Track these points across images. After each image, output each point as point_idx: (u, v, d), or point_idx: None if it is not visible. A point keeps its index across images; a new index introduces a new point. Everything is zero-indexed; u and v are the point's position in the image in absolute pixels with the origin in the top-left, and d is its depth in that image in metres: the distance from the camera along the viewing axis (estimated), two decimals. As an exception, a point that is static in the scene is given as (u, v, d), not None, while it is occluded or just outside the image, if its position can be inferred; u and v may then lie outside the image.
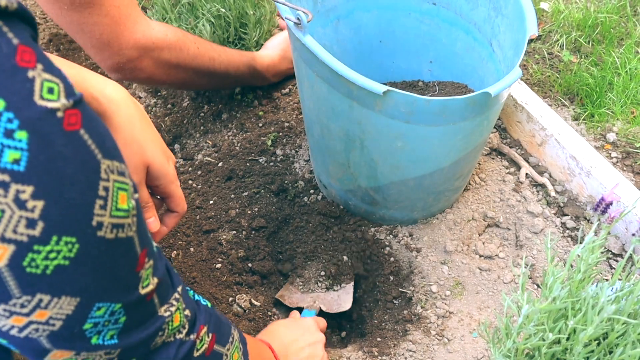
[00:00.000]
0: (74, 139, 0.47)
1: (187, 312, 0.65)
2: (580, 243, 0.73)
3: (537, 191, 1.24)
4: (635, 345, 0.70)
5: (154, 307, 0.59)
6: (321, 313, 1.11)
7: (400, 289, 1.11)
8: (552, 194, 1.23)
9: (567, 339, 0.73)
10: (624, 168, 1.27)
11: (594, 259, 0.72)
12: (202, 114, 1.44)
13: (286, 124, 1.36)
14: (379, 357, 1.02)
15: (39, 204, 0.45)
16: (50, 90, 0.45)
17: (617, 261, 1.13)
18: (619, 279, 0.77)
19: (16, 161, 0.43)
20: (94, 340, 0.54)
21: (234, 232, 1.19)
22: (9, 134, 0.42)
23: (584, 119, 1.36)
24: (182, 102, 1.48)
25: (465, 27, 1.17)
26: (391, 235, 1.18)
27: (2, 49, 0.42)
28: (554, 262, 0.72)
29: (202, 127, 1.42)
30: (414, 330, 1.05)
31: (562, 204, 1.21)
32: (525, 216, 1.19)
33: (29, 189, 0.44)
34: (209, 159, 1.32)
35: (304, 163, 1.30)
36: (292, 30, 0.92)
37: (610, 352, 0.73)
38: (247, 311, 1.09)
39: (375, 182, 1.09)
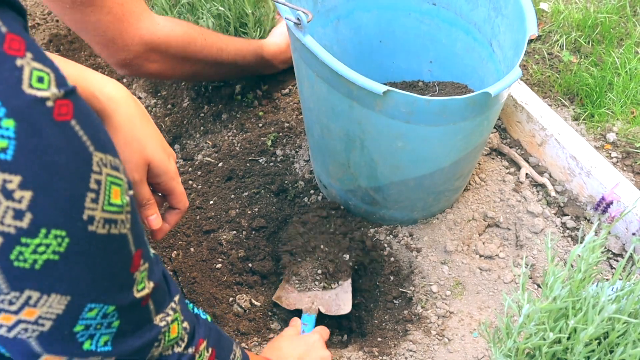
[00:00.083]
0: (64, 129, 0.45)
1: (185, 324, 0.63)
2: (581, 243, 0.73)
3: (537, 191, 1.24)
4: (636, 345, 0.70)
5: (149, 313, 0.57)
6: (320, 315, 1.11)
7: (400, 289, 1.11)
8: (552, 194, 1.23)
9: (568, 338, 0.73)
10: (624, 168, 1.27)
11: (594, 258, 0.72)
12: (202, 114, 1.44)
13: (286, 124, 1.36)
14: (380, 357, 1.02)
15: (27, 195, 0.43)
16: (40, 79, 0.44)
17: (617, 261, 1.13)
18: (620, 279, 0.77)
19: (3, 150, 0.42)
20: (86, 346, 0.52)
21: (234, 232, 1.19)
22: None
23: (584, 119, 1.36)
24: (182, 103, 1.48)
25: (465, 28, 1.17)
26: (391, 235, 1.18)
27: None
28: (554, 261, 0.72)
29: (202, 128, 1.42)
30: (414, 330, 1.05)
31: (562, 204, 1.21)
32: (526, 216, 1.19)
33: (16, 179, 0.42)
34: (209, 159, 1.32)
35: (304, 163, 1.30)
36: (292, 30, 0.92)
37: (611, 352, 0.73)
38: (247, 311, 1.09)
39: (376, 182, 1.09)
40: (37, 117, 0.43)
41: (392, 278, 1.13)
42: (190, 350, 0.64)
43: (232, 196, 1.24)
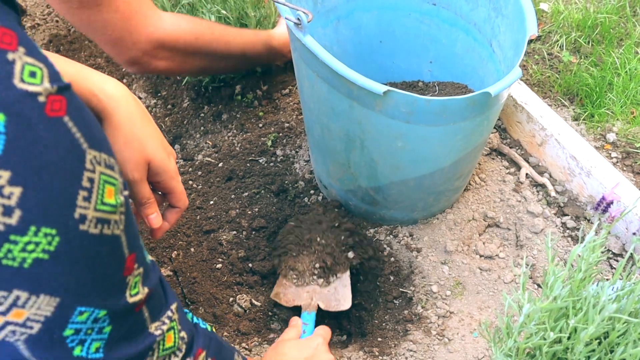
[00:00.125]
0: (56, 125, 0.44)
1: (182, 333, 0.61)
2: (581, 243, 0.73)
3: (537, 191, 1.24)
4: (636, 344, 0.70)
5: (143, 321, 0.56)
6: (321, 313, 1.10)
7: (400, 289, 1.11)
8: (552, 194, 1.23)
9: (568, 338, 0.73)
10: (624, 168, 1.27)
11: (594, 258, 0.72)
12: (202, 115, 1.44)
13: (286, 125, 1.36)
14: (380, 357, 1.02)
15: (17, 191, 0.42)
16: (32, 74, 0.43)
17: (617, 261, 1.13)
18: (620, 278, 0.77)
19: None
20: (77, 352, 0.50)
21: (234, 232, 1.19)
22: None
23: (584, 119, 1.36)
24: (182, 103, 1.48)
25: (466, 28, 1.17)
26: (391, 236, 1.18)
27: None
28: (554, 261, 0.72)
29: (202, 128, 1.42)
30: (414, 330, 1.05)
31: (562, 204, 1.21)
32: (526, 216, 1.19)
33: (5, 174, 0.41)
34: (209, 159, 1.32)
35: (304, 163, 1.30)
36: (292, 30, 0.92)
37: (612, 351, 0.73)
38: (247, 311, 1.09)
39: (376, 182, 1.09)
40: (28, 111, 0.42)
41: (392, 278, 1.13)
42: None
43: (233, 196, 1.24)
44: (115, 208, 0.49)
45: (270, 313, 1.11)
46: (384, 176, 1.07)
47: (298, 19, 0.88)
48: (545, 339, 0.70)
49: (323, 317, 1.11)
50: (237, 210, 1.22)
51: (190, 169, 1.31)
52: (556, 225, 1.18)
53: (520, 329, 0.72)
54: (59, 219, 0.44)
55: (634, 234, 1.10)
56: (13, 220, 0.42)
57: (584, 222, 1.18)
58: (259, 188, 1.25)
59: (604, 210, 0.77)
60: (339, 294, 1.10)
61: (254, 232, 1.19)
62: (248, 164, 1.29)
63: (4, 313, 0.45)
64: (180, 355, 0.61)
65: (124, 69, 1.59)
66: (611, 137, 1.32)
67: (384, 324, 1.09)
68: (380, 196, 1.12)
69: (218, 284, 1.11)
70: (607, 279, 1.09)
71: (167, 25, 1.09)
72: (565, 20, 1.55)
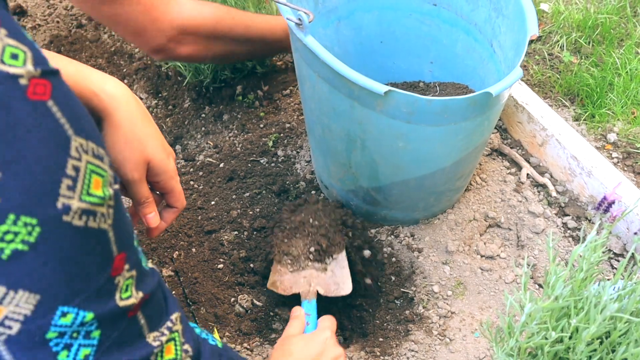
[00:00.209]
0: (39, 108, 0.42)
1: (186, 346, 0.57)
2: (582, 243, 0.73)
3: (538, 191, 1.24)
4: (638, 344, 0.70)
5: (138, 328, 0.52)
6: (320, 297, 1.03)
7: (402, 289, 1.11)
8: (553, 194, 1.23)
9: (570, 337, 0.73)
10: (625, 168, 1.27)
11: (596, 257, 0.72)
12: (203, 115, 1.44)
13: (287, 125, 1.36)
14: (381, 357, 1.02)
15: None
16: (14, 56, 0.41)
17: (618, 261, 1.13)
18: (621, 278, 0.77)
19: None
20: (62, 357, 0.46)
21: (236, 232, 1.19)
22: None
23: (584, 120, 1.36)
24: (183, 103, 1.48)
25: (466, 28, 1.17)
26: (392, 236, 1.18)
27: None
28: (555, 261, 0.72)
29: (203, 128, 1.43)
30: (416, 330, 1.05)
31: (563, 204, 1.21)
32: (527, 216, 1.19)
33: None
34: (211, 159, 1.32)
35: (305, 164, 1.30)
36: (293, 30, 0.92)
37: (613, 351, 0.73)
38: (249, 311, 1.09)
39: (377, 183, 1.09)
40: (8, 94, 0.40)
41: (393, 278, 1.13)
42: None
43: (234, 197, 1.24)
44: (102, 200, 0.46)
45: (271, 313, 1.11)
46: (385, 176, 1.07)
47: (299, 19, 0.88)
48: (546, 339, 0.70)
49: (325, 311, 1.08)
50: (239, 210, 1.22)
51: (191, 170, 1.31)
52: (557, 226, 1.18)
53: (521, 328, 0.72)
54: (40, 208, 0.42)
55: (635, 233, 1.10)
56: None
57: (585, 222, 1.19)
58: (260, 188, 1.25)
59: (605, 210, 0.77)
60: (337, 277, 1.04)
61: (255, 233, 1.19)
62: (249, 165, 1.29)
63: None
64: None
65: (124, 70, 1.59)
66: (612, 137, 1.32)
67: (385, 324, 1.09)
68: (381, 196, 1.12)
69: (219, 284, 1.11)
70: (609, 279, 1.09)
71: (188, 11, 1.12)
72: (565, 21, 1.55)
